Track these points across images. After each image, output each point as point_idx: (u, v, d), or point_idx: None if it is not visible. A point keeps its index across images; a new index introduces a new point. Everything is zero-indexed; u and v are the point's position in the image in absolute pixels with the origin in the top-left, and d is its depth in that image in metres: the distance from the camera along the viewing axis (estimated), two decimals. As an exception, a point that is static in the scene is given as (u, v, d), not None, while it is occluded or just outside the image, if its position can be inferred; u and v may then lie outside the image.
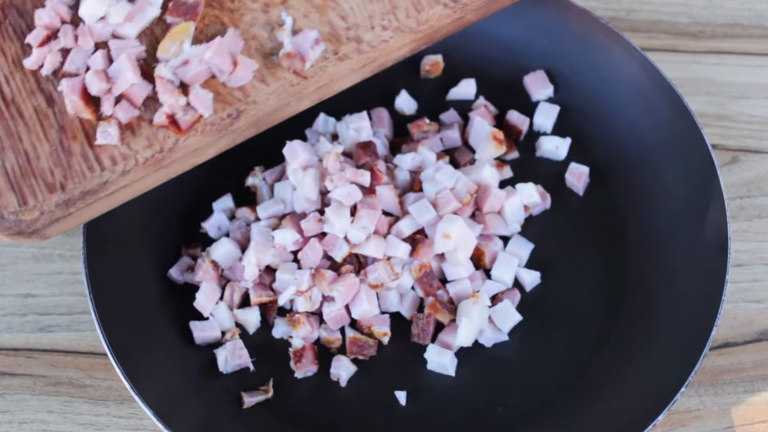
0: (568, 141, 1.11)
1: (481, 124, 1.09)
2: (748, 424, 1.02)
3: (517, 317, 1.02)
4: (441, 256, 1.03)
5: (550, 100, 1.14)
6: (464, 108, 1.14)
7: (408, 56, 0.98)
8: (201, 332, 1.01)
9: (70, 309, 1.07)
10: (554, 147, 1.11)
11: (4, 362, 1.04)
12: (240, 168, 1.09)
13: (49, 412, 1.02)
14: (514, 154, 1.11)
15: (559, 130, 1.13)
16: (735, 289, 1.08)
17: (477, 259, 1.05)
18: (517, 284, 1.05)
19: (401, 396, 1.00)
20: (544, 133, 1.13)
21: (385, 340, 1.02)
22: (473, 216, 1.06)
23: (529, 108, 1.13)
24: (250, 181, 1.08)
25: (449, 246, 1.01)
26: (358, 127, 1.08)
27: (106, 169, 0.87)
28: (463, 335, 1.00)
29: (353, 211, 1.02)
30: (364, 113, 1.10)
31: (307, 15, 0.94)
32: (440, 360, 1.00)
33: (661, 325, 1.01)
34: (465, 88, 1.14)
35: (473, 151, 1.10)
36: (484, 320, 1.01)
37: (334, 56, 0.93)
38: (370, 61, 0.95)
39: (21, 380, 1.03)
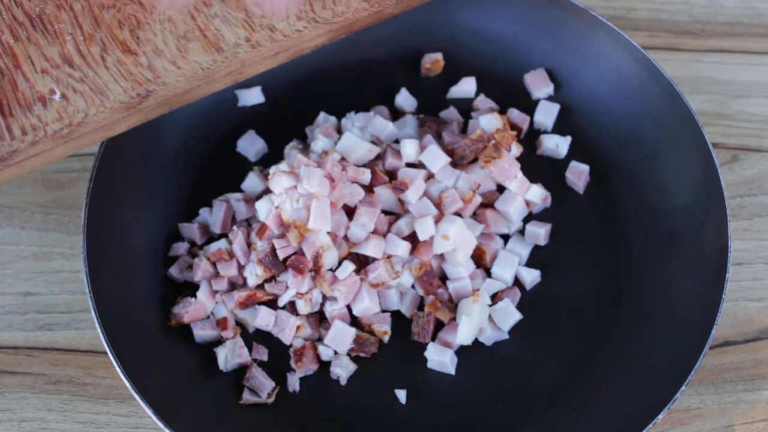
0: (568, 139, 1.11)
1: (485, 120, 1.08)
2: (748, 422, 1.02)
3: (518, 316, 1.02)
4: (441, 255, 1.03)
5: (550, 99, 1.14)
6: (464, 106, 1.14)
7: (326, 44, 0.99)
8: (201, 331, 1.01)
9: (70, 307, 1.07)
10: (555, 145, 1.11)
11: (4, 360, 1.04)
12: (240, 167, 1.10)
13: (49, 411, 1.02)
14: (519, 149, 1.11)
15: (559, 128, 1.13)
16: (735, 288, 1.08)
17: (478, 258, 1.05)
18: (517, 283, 1.05)
19: (401, 394, 1.00)
20: (545, 132, 1.13)
21: (386, 338, 1.02)
22: (474, 215, 1.06)
23: (529, 106, 1.13)
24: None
25: (448, 247, 1.01)
26: (363, 126, 1.08)
27: (16, 138, 0.89)
28: (463, 334, 1.00)
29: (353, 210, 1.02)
30: (371, 113, 1.10)
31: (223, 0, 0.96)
32: (440, 359, 1.00)
33: (660, 324, 1.01)
34: (465, 87, 1.14)
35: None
36: (484, 319, 1.01)
37: (246, 43, 0.94)
38: (283, 49, 0.96)
39: (21, 378, 1.03)
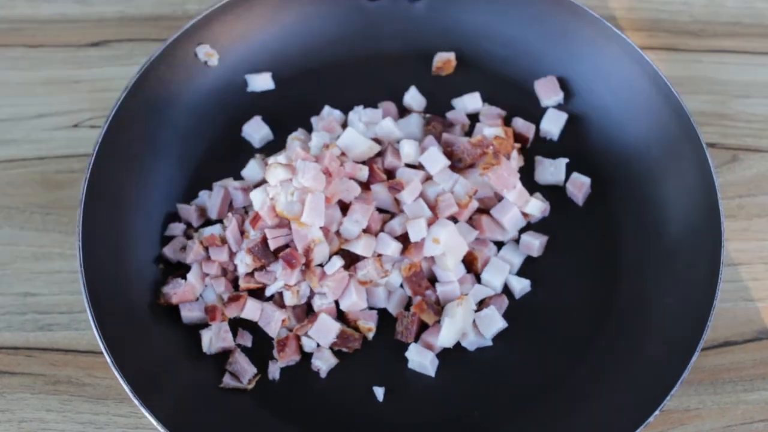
0: (563, 162, 1.10)
1: (490, 131, 1.07)
2: (747, 422, 1.02)
3: (502, 324, 1.02)
4: (432, 257, 1.03)
5: (559, 107, 1.13)
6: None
7: None
8: (189, 312, 1.02)
9: (70, 308, 1.07)
10: (550, 173, 1.10)
11: (4, 361, 1.04)
12: (245, 152, 1.11)
13: (48, 411, 1.02)
14: (520, 162, 1.10)
15: (565, 138, 1.12)
16: (735, 288, 1.08)
17: (469, 263, 1.05)
18: (507, 291, 1.05)
19: (379, 392, 1.00)
20: (551, 140, 1.12)
21: (370, 335, 1.02)
22: (471, 219, 1.06)
23: (537, 113, 1.13)
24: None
25: (437, 251, 1.01)
26: (369, 121, 1.09)
27: None
28: (445, 335, 1.00)
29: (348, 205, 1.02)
30: (379, 109, 1.10)
31: None
32: (421, 360, 1.00)
33: (644, 344, 1.00)
34: (470, 102, 1.13)
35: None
36: (468, 323, 1.01)
37: None
38: None
39: (20, 379, 1.03)
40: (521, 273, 1.06)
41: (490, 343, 1.02)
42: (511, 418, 0.99)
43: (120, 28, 1.22)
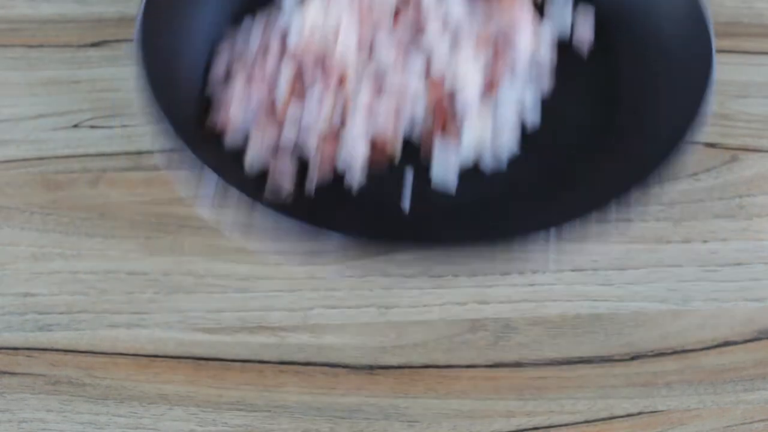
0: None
1: None
2: (747, 423, 1.02)
3: (515, 143, 1.09)
4: (452, 91, 1.08)
5: None
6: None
7: None
8: (232, 136, 1.07)
9: (70, 308, 1.07)
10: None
11: (3, 361, 1.04)
12: None
13: (48, 411, 1.02)
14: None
15: None
16: (735, 288, 1.08)
17: (488, 90, 1.10)
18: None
19: (405, 202, 1.06)
20: None
21: (396, 160, 1.08)
22: (487, 50, 1.10)
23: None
24: None
25: (458, 83, 1.06)
26: None
27: None
28: (466, 142, 1.06)
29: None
30: None
31: None
32: (444, 174, 1.06)
33: (650, 132, 1.08)
34: None
35: None
36: (486, 139, 1.07)
37: None
38: None
39: (20, 379, 1.03)
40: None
41: (505, 164, 1.08)
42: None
43: (120, 28, 1.23)
